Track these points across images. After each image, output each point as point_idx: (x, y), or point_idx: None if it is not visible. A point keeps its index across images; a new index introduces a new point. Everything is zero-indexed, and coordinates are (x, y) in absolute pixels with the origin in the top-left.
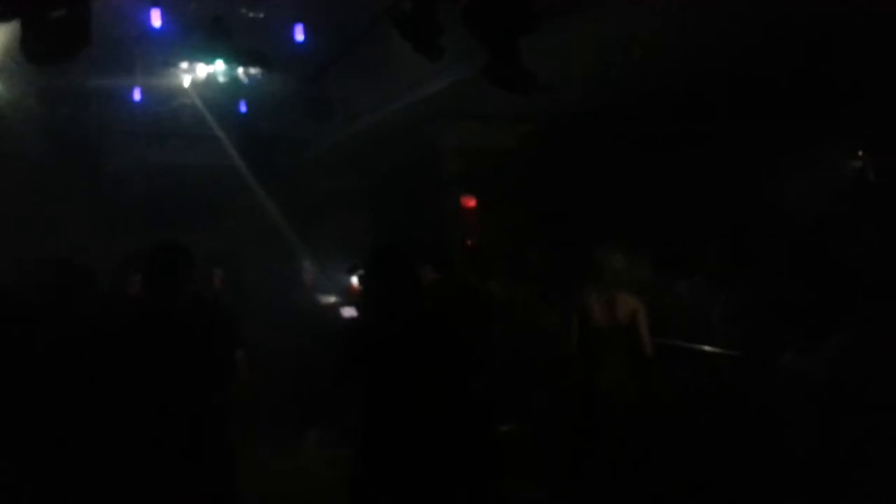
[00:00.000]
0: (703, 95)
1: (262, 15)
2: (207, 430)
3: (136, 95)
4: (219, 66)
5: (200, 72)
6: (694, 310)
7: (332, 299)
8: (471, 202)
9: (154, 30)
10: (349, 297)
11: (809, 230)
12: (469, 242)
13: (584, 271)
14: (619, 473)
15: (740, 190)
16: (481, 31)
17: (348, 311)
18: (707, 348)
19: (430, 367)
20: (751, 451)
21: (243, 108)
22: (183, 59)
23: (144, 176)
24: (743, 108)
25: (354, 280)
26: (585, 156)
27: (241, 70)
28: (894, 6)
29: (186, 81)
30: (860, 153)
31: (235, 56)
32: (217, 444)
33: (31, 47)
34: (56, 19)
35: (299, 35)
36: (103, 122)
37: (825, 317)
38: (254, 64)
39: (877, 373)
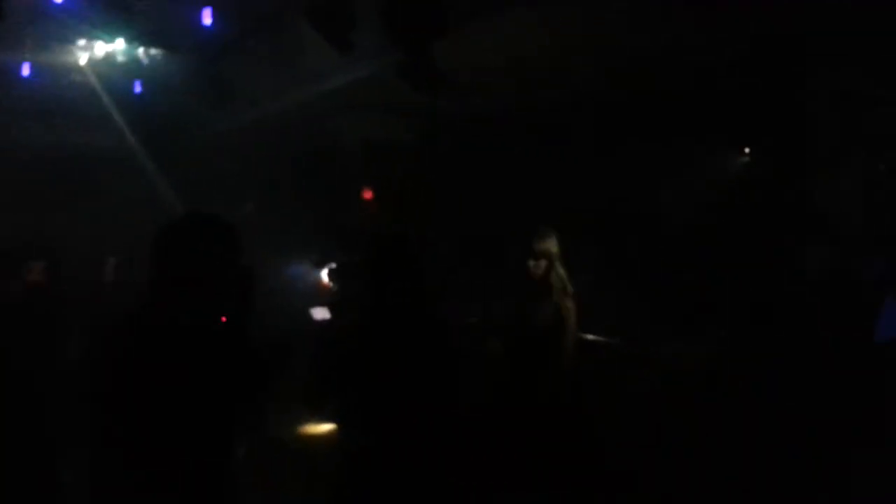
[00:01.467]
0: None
1: None
2: None
3: (26, 71)
4: (118, 45)
5: (99, 50)
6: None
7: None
8: (368, 194)
9: (54, 4)
10: (318, 295)
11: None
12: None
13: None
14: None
15: (619, 186)
16: (398, 30)
17: (320, 313)
18: (590, 337)
19: (429, 379)
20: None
21: (139, 89)
22: (81, 37)
23: (30, 154)
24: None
25: (323, 275)
26: (482, 151)
27: (141, 50)
28: None
29: (83, 59)
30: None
31: (136, 35)
32: None
33: None
34: None
35: (206, 19)
36: None
37: (701, 313)
38: (155, 44)
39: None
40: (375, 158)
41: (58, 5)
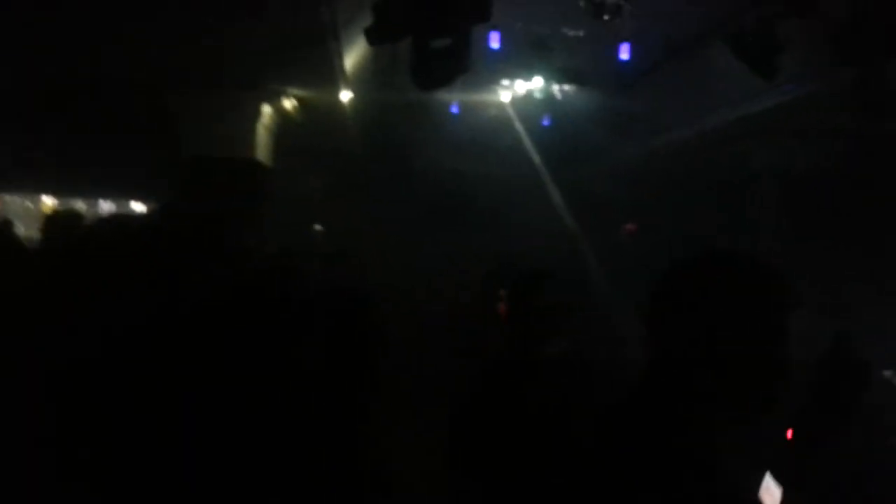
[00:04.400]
0: None
1: (582, 33)
2: None
3: (455, 109)
4: (536, 83)
5: (520, 88)
6: None
7: None
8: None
9: (490, 50)
10: None
11: None
12: None
13: None
14: None
15: None
16: (853, 50)
17: None
18: None
19: None
20: None
21: (547, 122)
22: (506, 77)
23: (455, 181)
24: None
25: None
26: None
27: (556, 86)
28: None
29: (505, 97)
30: None
31: (553, 73)
32: None
33: (418, 73)
34: (441, 48)
35: (623, 54)
36: (424, 132)
37: None
38: (569, 80)
39: None
40: (791, 186)
41: (493, 50)
